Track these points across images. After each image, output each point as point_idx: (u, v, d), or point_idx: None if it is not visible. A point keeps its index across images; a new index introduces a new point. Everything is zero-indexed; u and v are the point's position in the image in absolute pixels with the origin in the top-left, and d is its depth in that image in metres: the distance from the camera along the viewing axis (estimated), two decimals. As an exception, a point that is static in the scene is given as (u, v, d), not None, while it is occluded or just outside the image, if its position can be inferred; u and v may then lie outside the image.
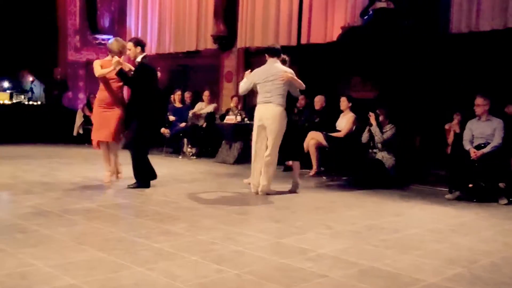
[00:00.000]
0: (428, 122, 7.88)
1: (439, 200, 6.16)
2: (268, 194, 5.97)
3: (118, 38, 6.73)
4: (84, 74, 13.58)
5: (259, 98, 5.99)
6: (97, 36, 13.50)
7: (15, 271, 3.08)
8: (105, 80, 6.25)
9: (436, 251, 3.92)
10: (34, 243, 3.68)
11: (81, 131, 11.76)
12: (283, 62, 6.17)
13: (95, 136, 6.36)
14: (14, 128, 11.34)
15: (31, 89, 12.78)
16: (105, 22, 13.48)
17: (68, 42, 13.46)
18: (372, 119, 7.19)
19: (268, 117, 5.87)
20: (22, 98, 12.42)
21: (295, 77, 6.01)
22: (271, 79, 5.89)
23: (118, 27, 13.52)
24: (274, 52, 6.07)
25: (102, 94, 6.32)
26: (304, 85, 6.11)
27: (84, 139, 11.41)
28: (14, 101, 12.18)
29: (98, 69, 6.26)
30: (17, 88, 12.91)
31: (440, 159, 7.37)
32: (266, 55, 6.13)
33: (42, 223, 4.24)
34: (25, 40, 12.80)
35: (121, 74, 6.07)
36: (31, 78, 12.93)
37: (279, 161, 6.23)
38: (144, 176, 6.20)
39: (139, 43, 6.28)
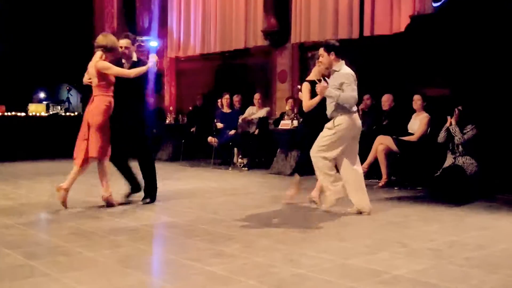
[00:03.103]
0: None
1: (532, 212, 5.96)
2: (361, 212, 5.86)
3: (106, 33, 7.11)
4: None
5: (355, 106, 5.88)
6: (137, 38, 13.85)
7: (59, 298, 3.20)
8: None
9: (531, 271, 3.79)
10: (78, 266, 3.82)
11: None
12: None
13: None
14: (51, 142, 11.78)
15: (68, 99, 13.30)
16: (145, 22, 13.83)
17: (105, 46, 13.86)
18: (454, 118, 7.04)
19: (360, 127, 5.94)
20: (58, 109, 12.95)
21: None
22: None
23: (159, 27, 13.84)
24: (341, 51, 5.87)
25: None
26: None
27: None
28: (51, 112, 12.70)
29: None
30: (54, 98, 13.48)
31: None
32: (336, 56, 5.78)
33: (85, 245, 4.39)
34: (60, 47, 13.32)
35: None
36: (67, 87, 13.46)
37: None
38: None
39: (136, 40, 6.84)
